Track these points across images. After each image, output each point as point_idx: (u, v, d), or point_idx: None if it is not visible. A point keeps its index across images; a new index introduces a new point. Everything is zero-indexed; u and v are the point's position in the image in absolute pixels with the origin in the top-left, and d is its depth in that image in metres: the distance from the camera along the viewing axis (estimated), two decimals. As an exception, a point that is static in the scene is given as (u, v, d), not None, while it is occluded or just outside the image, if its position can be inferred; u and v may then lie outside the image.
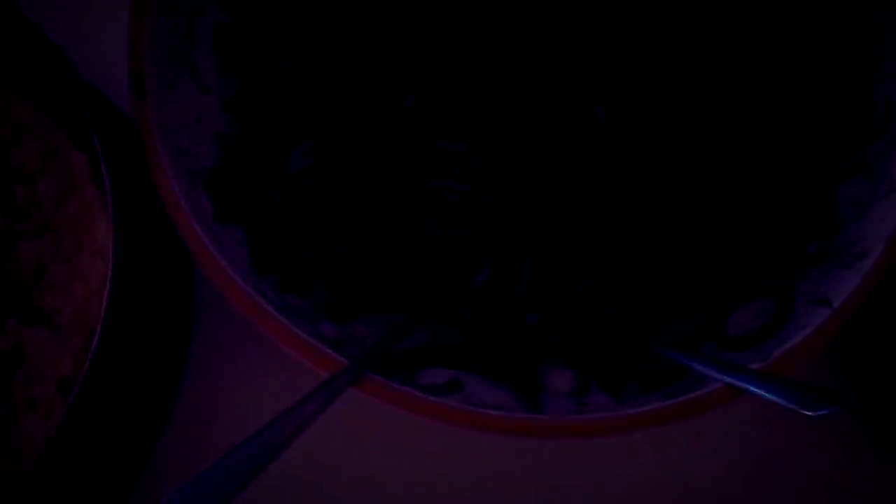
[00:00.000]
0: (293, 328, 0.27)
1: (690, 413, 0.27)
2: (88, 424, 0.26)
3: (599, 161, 0.30)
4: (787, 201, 0.33)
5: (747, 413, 0.32)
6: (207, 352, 0.33)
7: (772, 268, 0.32)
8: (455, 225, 0.29)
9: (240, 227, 0.30)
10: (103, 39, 0.33)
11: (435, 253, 0.30)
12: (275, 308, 0.28)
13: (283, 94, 0.31)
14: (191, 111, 0.31)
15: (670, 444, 0.33)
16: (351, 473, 0.33)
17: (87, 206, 0.29)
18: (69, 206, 0.29)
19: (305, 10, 0.33)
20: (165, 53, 0.30)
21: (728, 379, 0.26)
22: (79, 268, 0.28)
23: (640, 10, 0.30)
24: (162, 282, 0.31)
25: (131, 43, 0.28)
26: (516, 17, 0.30)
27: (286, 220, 0.30)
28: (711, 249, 0.31)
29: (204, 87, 0.32)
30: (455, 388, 0.29)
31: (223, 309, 0.29)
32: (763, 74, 0.32)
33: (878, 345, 0.32)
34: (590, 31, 0.30)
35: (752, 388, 0.25)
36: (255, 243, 0.30)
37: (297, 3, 0.33)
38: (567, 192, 0.29)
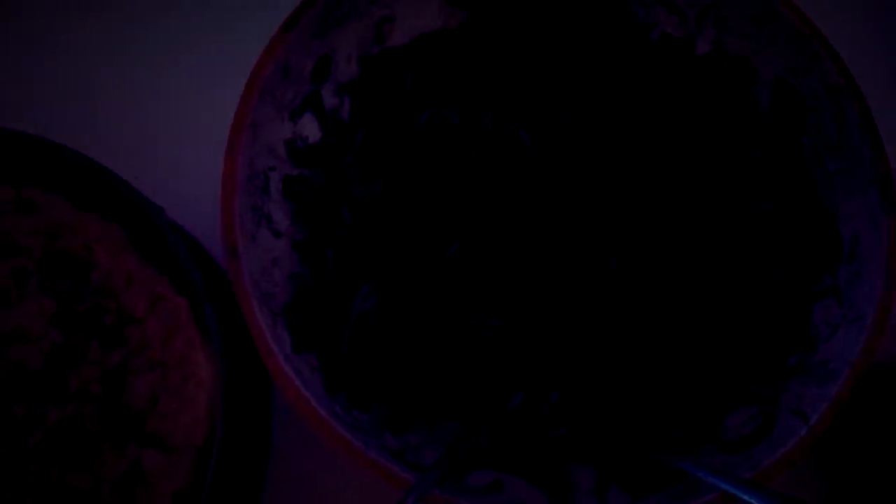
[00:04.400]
0: (359, 445, 0.33)
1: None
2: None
3: (610, 304, 0.36)
4: (773, 317, 0.38)
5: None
6: (282, 471, 0.39)
7: (759, 376, 0.37)
8: (490, 360, 0.35)
9: (313, 355, 0.36)
10: (194, 191, 0.39)
11: (476, 379, 0.36)
12: (344, 424, 0.34)
13: (347, 243, 0.37)
14: (268, 255, 0.37)
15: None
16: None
17: (190, 343, 0.35)
18: (174, 345, 0.35)
19: (364, 167, 0.39)
20: (249, 213, 0.36)
21: (724, 486, 0.32)
22: (184, 398, 0.34)
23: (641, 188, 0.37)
24: (249, 407, 0.37)
25: (224, 220, 0.34)
26: (546, 190, 0.36)
27: (353, 350, 0.36)
28: (707, 369, 0.37)
29: (277, 233, 0.38)
30: (496, 489, 0.35)
31: (296, 432, 0.35)
32: (744, 221, 0.38)
33: (856, 455, 0.38)
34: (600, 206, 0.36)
35: (745, 497, 0.31)
36: (327, 368, 0.36)
37: (356, 160, 0.39)
38: (585, 333, 0.36)
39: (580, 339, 0.36)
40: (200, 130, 0.43)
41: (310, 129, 0.40)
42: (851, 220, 0.38)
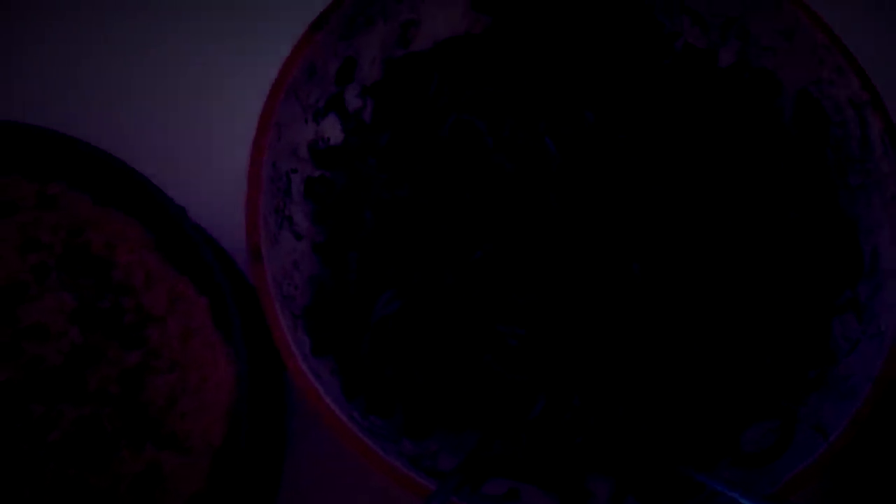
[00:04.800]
0: (378, 450, 0.33)
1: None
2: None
3: (632, 310, 0.36)
4: (793, 329, 0.38)
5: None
6: (298, 474, 0.39)
7: (779, 389, 0.37)
8: (513, 366, 0.35)
9: (331, 358, 0.36)
10: (213, 191, 0.39)
11: (497, 386, 0.35)
12: (361, 429, 0.34)
13: (370, 246, 0.37)
14: (289, 258, 0.37)
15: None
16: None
17: (209, 345, 0.35)
18: (194, 345, 0.35)
19: (389, 170, 0.39)
20: (272, 215, 0.36)
21: (743, 500, 0.32)
22: (203, 399, 0.34)
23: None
24: (266, 409, 0.37)
25: (249, 221, 0.34)
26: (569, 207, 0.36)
27: (373, 355, 0.36)
28: (727, 380, 0.37)
29: (298, 235, 0.38)
30: (513, 497, 0.35)
31: (312, 436, 0.35)
32: (766, 232, 0.38)
33: (873, 470, 0.38)
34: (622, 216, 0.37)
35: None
36: (346, 372, 0.36)
37: (378, 163, 0.39)
38: (607, 339, 0.35)
39: (602, 346, 0.35)
40: (218, 133, 0.43)
41: (332, 130, 0.40)
42: (872, 234, 0.38)
